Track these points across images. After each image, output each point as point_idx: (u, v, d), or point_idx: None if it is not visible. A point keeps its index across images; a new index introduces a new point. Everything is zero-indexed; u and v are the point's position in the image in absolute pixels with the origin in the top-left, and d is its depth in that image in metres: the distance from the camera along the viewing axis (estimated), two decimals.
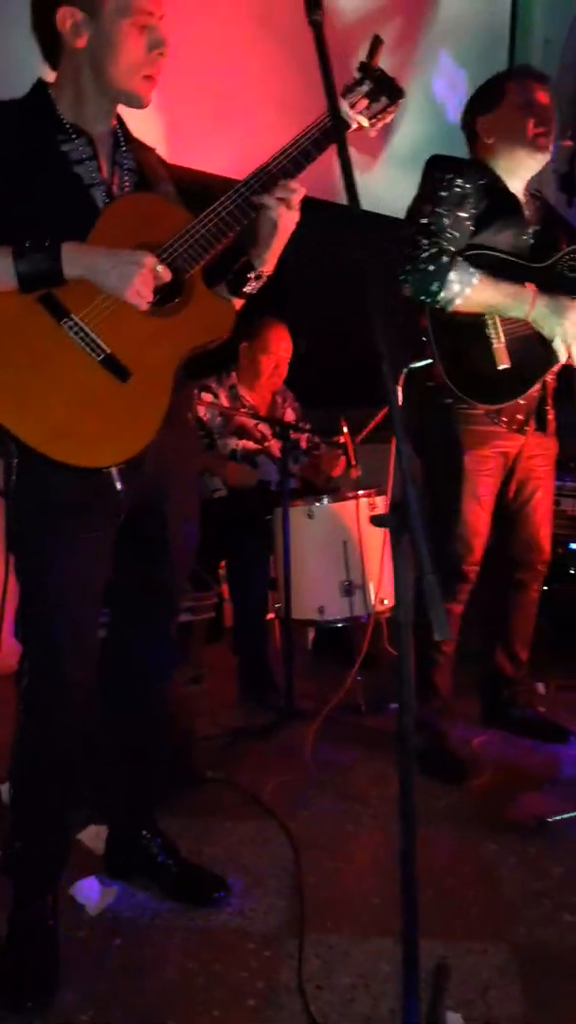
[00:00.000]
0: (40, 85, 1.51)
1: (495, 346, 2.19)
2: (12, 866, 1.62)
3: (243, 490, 3.13)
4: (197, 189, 1.67)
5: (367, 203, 3.66)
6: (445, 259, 2.09)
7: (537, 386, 2.27)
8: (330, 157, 1.33)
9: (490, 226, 2.23)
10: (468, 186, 2.20)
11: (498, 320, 2.19)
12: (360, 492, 2.83)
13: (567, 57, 4.30)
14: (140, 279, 1.40)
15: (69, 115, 1.49)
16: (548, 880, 1.84)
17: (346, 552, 2.78)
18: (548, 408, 2.38)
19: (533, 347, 2.23)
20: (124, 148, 1.57)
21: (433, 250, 2.10)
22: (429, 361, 2.22)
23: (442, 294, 2.10)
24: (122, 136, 1.57)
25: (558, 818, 2.02)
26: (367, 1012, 1.46)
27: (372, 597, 2.76)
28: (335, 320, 3.21)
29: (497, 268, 2.17)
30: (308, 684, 2.90)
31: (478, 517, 2.30)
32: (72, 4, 1.42)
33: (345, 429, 2.97)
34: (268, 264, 1.60)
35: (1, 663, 2.19)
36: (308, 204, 1.56)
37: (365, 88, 1.54)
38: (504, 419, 2.27)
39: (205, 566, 2.79)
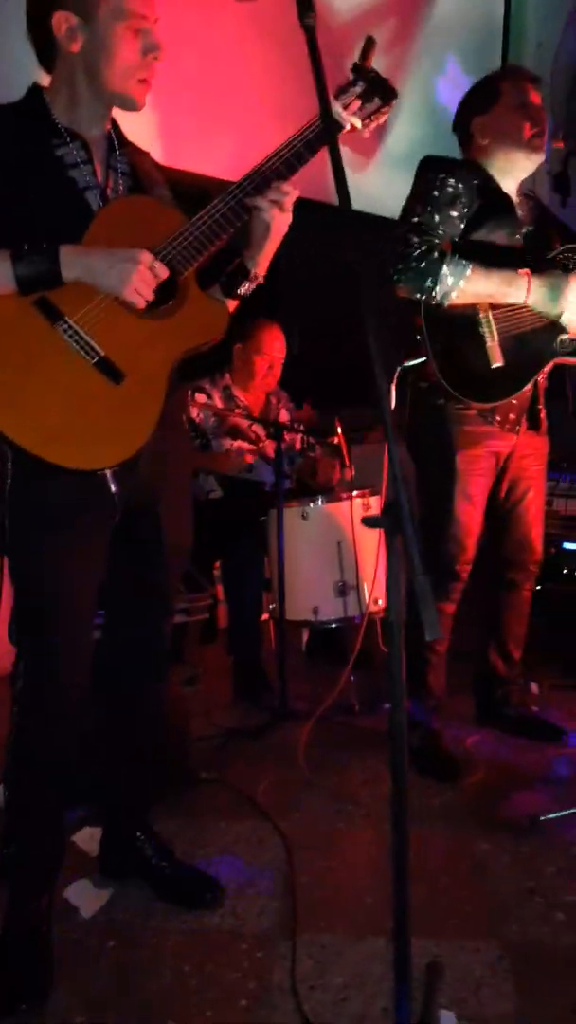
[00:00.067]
0: (35, 89, 1.52)
1: (489, 344, 2.19)
2: (6, 868, 1.62)
3: (237, 488, 3.13)
4: (191, 191, 1.67)
5: (362, 203, 3.68)
6: (436, 254, 2.10)
7: (530, 385, 2.27)
8: (324, 158, 1.33)
9: (483, 226, 2.24)
10: (461, 186, 2.21)
11: (492, 318, 2.20)
12: (354, 493, 2.84)
13: (559, 60, 4.31)
14: (138, 276, 1.41)
15: (64, 119, 1.50)
16: (541, 878, 1.84)
17: (340, 553, 2.79)
18: (540, 407, 2.39)
19: (527, 346, 2.24)
20: (118, 152, 1.58)
21: (424, 247, 2.10)
22: (423, 359, 2.23)
23: (437, 289, 2.10)
24: (116, 140, 1.58)
25: (551, 817, 2.02)
26: (360, 1011, 1.46)
27: (366, 597, 2.76)
28: (329, 321, 3.21)
29: (491, 261, 2.17)
30: (302, 684, 2.90)
31: (470, 517, 2.31)
32: (67, 8, 1.42)
33: (339, 430, 2.97)
34: (261, 266, 1.60)
35: None
36: (301, 205, 1.57)
37: (358, 89, 1.55)
38: (497, 418, 2.28)
39: (199, 567, 2.80)
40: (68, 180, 1.48)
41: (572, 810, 2.04)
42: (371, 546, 2.77)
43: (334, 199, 1.17)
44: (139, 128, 1.67)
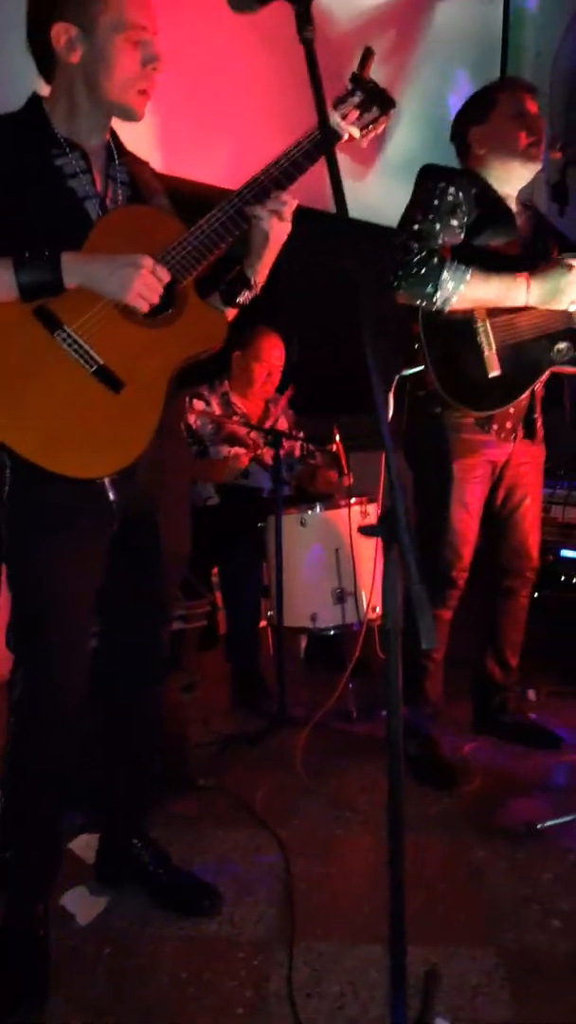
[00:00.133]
0: (35, 99, 1.53)
1: (486, 354, 2.20)
2: (3, 875, 1.62)
3: (235, 494, 3.13)
4: (190, 199, 1.68)
5: (361, 212, 3.69)
6: (436, 260, 2.11)
7: (527, 394, 2.28)
8: (324, 167, 1.34)
9: (481, 234, 2.25)
10: (460, 195, 2.22)
11: (489, 327, 2.21)
12: (352, 500, 2.84)
13: (557, 70, 4.34)
14: (140, 281, 1.41)
15: (63, 129, 1.50)
16: (537, 886, 1.85)
17: (338, 560, 2.79)
18: (536, 416, 2.40)
19: (524, 355, 2.25)
20: (118, 161, 1.58)
21: (423, 253, 2.11)
22: (420, 368, 2.24)
23: (437, 295, 2.11)
24: (116, 149, 1.59)
25: (548, 824, 2.03)
26: (356, 1019, 1.47)
27: (364, 604, 2.77)
28: (327, 328, 3.22)
29: (490, 267, 2.18)
30: (300, 691, 2.90)
31: (467, 524, 2.32)
32: (67, 20, 1.43)
33: (338, 437, 2.98)
34: (260, 274, 1.61)
35: None
36: (301, 214, 1.57)
37: (356, 99, 1.56)
38: (494, 427, 2.29)
39: (197, 574, 2.80)
40: (67, 190, 1.49)
41: (569, 817, 2.05)
42: (369, 553, 2.78)
43: (333, 208, 1.18)
44: (138, 136, 1.68)
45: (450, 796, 2.25)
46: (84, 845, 1.94)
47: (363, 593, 2.78)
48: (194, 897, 1.78)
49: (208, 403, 3.20)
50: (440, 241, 2.17)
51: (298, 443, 3.36)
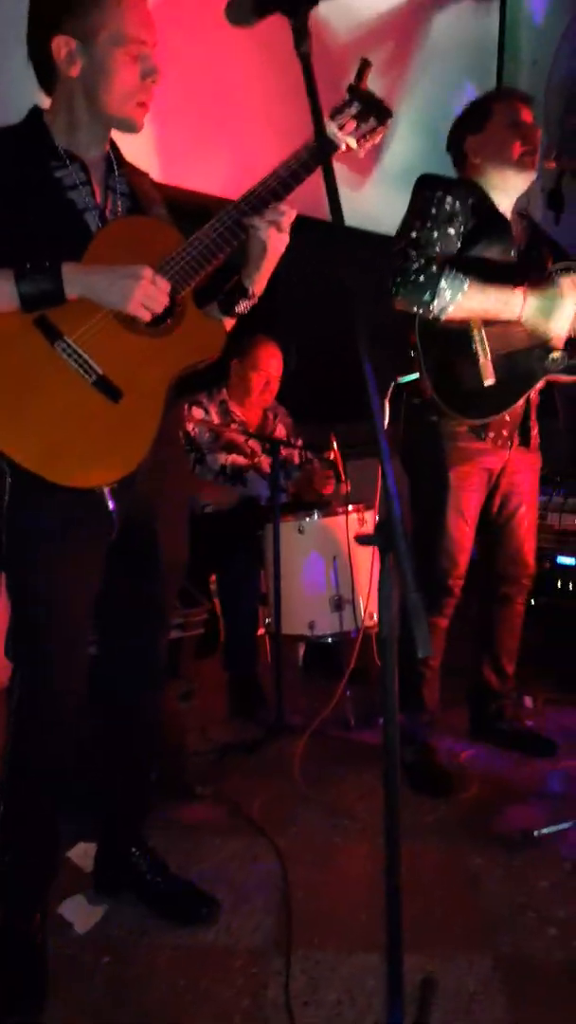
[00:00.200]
0: (35, 112, 1.54)
1: (481, 362, 2.21)
2: (0, 883, 1.62)
3: (228, 509, 3.14)
4: (189, 208, 1.69)
5: (359, 221, 3.69)
6: (435, 268, 2.12)
7: (522, 401, 2.30)
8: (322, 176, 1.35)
9: (477, 244, 2.27)
10: (457, 204, 2.23)
11: (484, 336, 2.22)
12: (350, 507, 2.85)
13: (553, 80, 4.37)
14: (140, 290, 1.42)
15: (63, 141, 1.52)
16: (533, 893, 1.85)
17: (336, 567, 2.80)
18: (532, 424, 2.41)
19: (519, 363, 2.26)
20: (117, 173, 1.60)
21: (421, 261, 2.13)
22: (416, 376, 2.25)
23: (435, 303, 2.12)
24: (115, 161, 1.60)
25: (544, 831, 2.03)
26: None
27: (361, 612, 2.77)
28: (325, 337, 3.23)
29: (486, 277, 2.19)
30: (298, 699, 2.90)
31: (463, 532, 2.33)
32: (67, 33, 1.44)
33: (335, 444, 2.99)
34: (258, 285, 1.62)
35: None
36: (300, 223, 1.59)
37: (353, 110, 1.57)
38: (490, 434, 2.30)
39: (195, 582, 2.80)
40: (67, 202, 1.50)
41: (565, 825, 2.05)
42: (367, 561, 2.78)
43: (329, 217, 1.19)
44: (137, 146, 1.69)
45: (447, 803, 2.25)
46: (82, 854, 1.94)
47: (360, 600, 2.78)
48: (192, 905, 1.78)
49: (206, 411, 3.21)
50: (438, 249, 2.19)
51: (296, 450, 3.37)
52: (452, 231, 2.22)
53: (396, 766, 1.19)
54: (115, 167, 1.60)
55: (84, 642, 1.62)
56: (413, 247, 2.16)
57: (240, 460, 3.24)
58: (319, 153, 1.46)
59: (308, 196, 1.57)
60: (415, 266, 2.12)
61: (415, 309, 2.15)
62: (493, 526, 2.46)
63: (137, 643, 1.74)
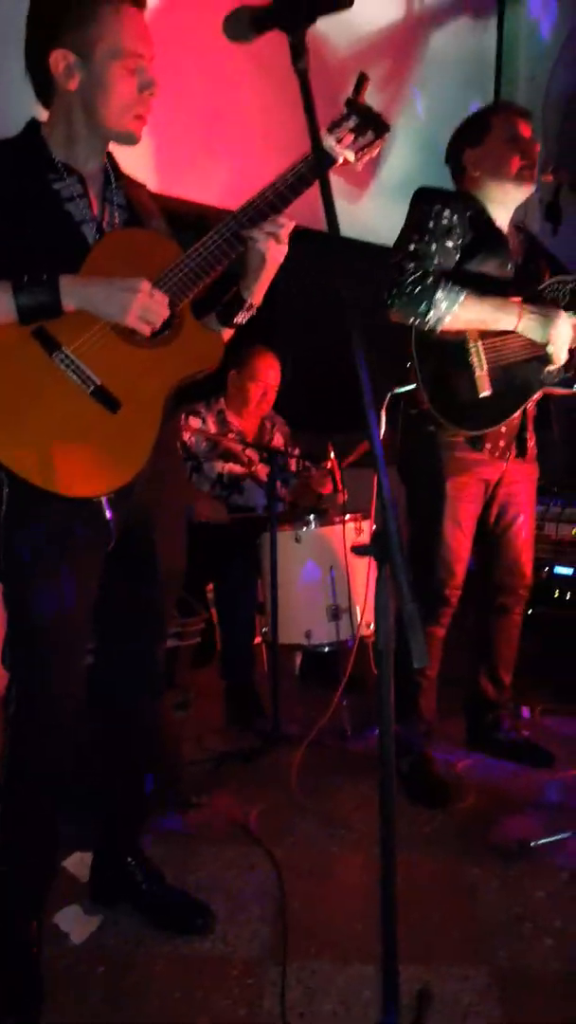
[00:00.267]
0: (33, 124, 1.55)
1: (477, 374, 2.23)
2: None
3: (231, 511, 3.15)
4: (187, 219, 1.70)
5: (357, 232, 3.70)
6: (431, 280, 2.13)
7: (518, 413, 2.31)
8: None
9: (474, 257, 2.28)
10: (455, 217, 2.25)
11: (481, 348, 2.23)
12: (347, 516, 2.86)
13: (550, 96, 4.40)
14: (138, 304, 1.43)
15: (61, 154, 1.53)
16: (530, 904, 1.85)
17: (333, 576, 2.80)
18: (528, 435, 2.43)
19: (515, 375, 2.27)
20: (114, 185, 1.61)
21: (418, 273, 2.14)
22: (413, 386, 2.26)
23: (431, 314, 2.13)
24: (112, 173, 1.61)
25: (541, 842, 2.03)
26: None
27: (358, 621, 2.77)
28: (322, 346, 3.25)
29: (482, 290, 2.21)
30: (295, 708, 2.90)
31: (460, 542, 2.34)
32: (65, 47, 1.46)
33: (332, 454, 3.00)
34: (257, 295, 1.63)
35: None
36: (298, 234, 1.60)
37: (351, 123, 1.58)
38: (487, 446, 2.31)
39: (192, 590, 2.81)
40: (64, 214, 1.51)
41: (562, 835, 2.05)
42: (363, 570, 2.79)
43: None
44: (135, 158, 1.70)
45: (443, 814, 2.25)
46: (78, 863, 1.93)
47: (357, 610, 2.79)
48: (187, 915, 1.78)
49: (204, 420, 3.22)
50: (435, 262, 2.20)
51: (293, 459, 3.38)
52: (450, 244, 2.24)
53: (392, 777, 1.20)
54: (112, 179, 1.61)
55: (82, 649, 1.62)
56: (410, 260, 2.17)
57: (237, 469, 3.25)
58: (316, 167, 1.48)
59: (306, 208, 1.59)
60: (411, 278, 2.14)
61: (411, 321, 2.17)
62: (490, 537, 2.47)
63: (136, 648, 1.74)
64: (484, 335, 2.22)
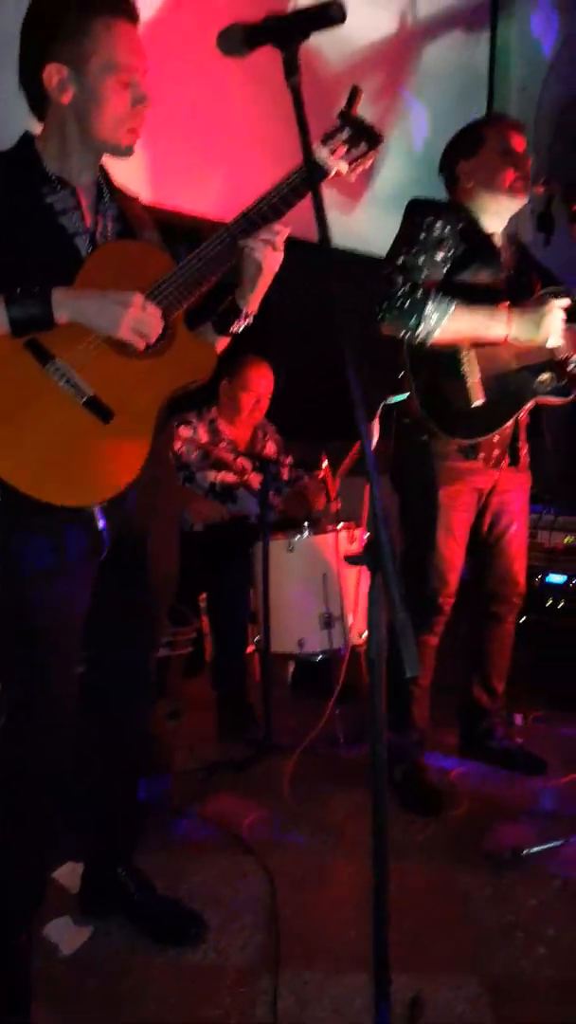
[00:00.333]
0: (26, 138, 1.56)
1: (470, 383, 2.24)
2: None
3: (216, 525, 3.15)
4: (181, 230, 1.71)
5: (351, 243, 3.71)
6: (420, 293, 2.15)
7: (511, 422, 2.32)
8: None
9: (467, 268, 2.30)
10: (447, 229, 2.26)
11: (473, 357, 2.25)
12: (339, 525, 2.86)
13: (542, 107, 4.44)
14: (130, 317, 1.44)
15: (54, 167, 1.54)
16: (522, 912, 1.85)
17: (326, 585, 2.81)
18: (521, 444, 2.44)
19: (508, 384, 2.28)
20: (107, 198, 1.62)
21: (407, 286, 2.16)
22: (406, 395, 2.27)
23: (421, 327, 2.15)
24: (105, 186, 1.62)
25: (534, 850, 2.03)
26: None
27: (350, 629, 2.78)
28: (317, 355, 3.26)
29: (473, 301, 2.22)
30: (288, 717, 2.90)
31: (453, 551, 2.34)
32: (59, 61, 1.46)
33: (325, 463, 3.01)
34: (252, 303, 1.64)
35: None
36: (291, 244, 1.61)
37: (344, 135, 1.59)
38: (481, 454, 2.32)
39: (185, 599, 2.81)
40: (58, 227, 1.51)
41: (555, 843, 2.05)
42: (356, 579, 2.79)
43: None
44: (130, 169, 1.71)
45: (436, 822, 2.25)
46: (68, 874, 1.92)
47: (350, 618, 2.79)
48: (179, 925, 1.77)
49: (195, 429, 3.22)
50: (424, 274, 2.22)
51: (286, 467, 3.38)
52: (440, 256, 2.25)
53: (383, 786, 1.20)
54: (105, 192, 1.62)
55: (76, 654, 1.62)
56: (399, 272, 2.19)
57: (229, 478, 3.25)
58: (308, 179, 1.49)
59: (300, 218, 1.60)
60: (400, 291, 2.15)
61: (401, 334, 2.18)
62: (483, 545, 2.48)
63: (129, 656, 1.75)
64: (477, 344, 2.24)
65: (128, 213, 1.64)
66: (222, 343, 1.68)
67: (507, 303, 2.24)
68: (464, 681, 2.63)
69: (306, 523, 2.90)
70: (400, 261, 2.21)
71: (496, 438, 2.33)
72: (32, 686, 1.56)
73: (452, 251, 2.27)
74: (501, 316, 2.21)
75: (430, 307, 2.14)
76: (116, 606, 1.67)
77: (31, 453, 1.42)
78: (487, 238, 2.36)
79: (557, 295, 2.34)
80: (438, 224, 2.26)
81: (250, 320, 1.67)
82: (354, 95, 1.60)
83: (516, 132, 2.38)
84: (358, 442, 1.14)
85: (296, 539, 2.86)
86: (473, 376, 2.24)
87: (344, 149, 1.59)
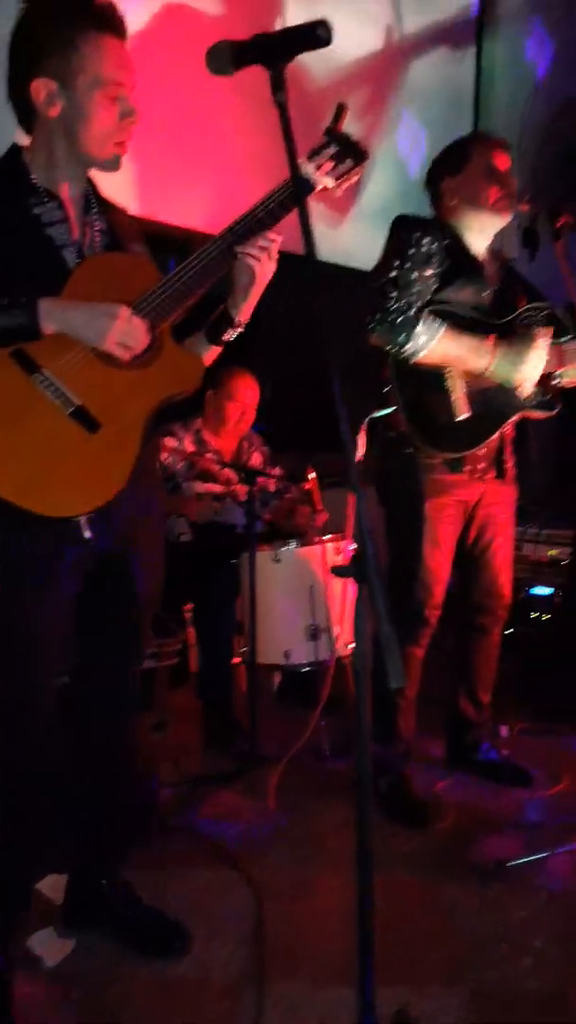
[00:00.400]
0: (14, 150, 1.57)
1: (454, 396, 2.26)
2: None
3: (209, 530, 3.15)
4: (169, 242, 1.72)
5: (337, 257, 3.73)
6: (412, 312, 2.17)
7: (496, 435, 2.34)
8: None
9: (452, 284, 2.32)
10: (434, 245, 2.28)
11: (457, 372, 2.26)
12: (326, 537, 2.87)
13: (527, 125, 4.49)
14: (116, 329, 1.45)
15: (42, 179, 1.54)
16: (508, 924, 1.85)
17: (312, 596, 2.81)
18: (507, 456, 2.46)
19: (493, 398, 2.30)
20: (95, 210, 1.63)
21: (401, 303, 2.17)
22: (392, 409, 2.29)
23: (408, 345, 2.16)
24: (93, 198, 1.63)
25: (520, 862, 2.04)
26: None
27: (336, 640, 2.78)
28: (304, 367, 3.28)
29: (458, 324, 2.24)
30: (273, 728, 2.89)
31: (439, 563, 2.35)
32: (47, 76, 1.47)
33: (311, 475, 3.02)
34: (244, 313, 1.65)
35: None
36: (280, 257, 1.62)
37: (331, 151, 1.61)
38: (467, 467, 2.34)
39: (171, 610, 2.80)
40: (45, 238, 1.52)
41: (541, 855, 2.06)
42: (342, 590, 2.80)
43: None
44: (119, 182, 1.72)
45: (422, 834, 2.25)
46: (52, 886, 1.91)
47: (336, 630, 2.79)
48: (163, 938, 1.77)
49: (180, 440, 3.22)
50: (417, 290, 2.23)
51: (272, 479, 3.39)
52: (429, 272, 2.27)
53: (368, 798, 1.20)
54: (93, 204, 1.63)
55: (55, 668, 1.62)
56: (392, 286, 2.20)
57: (215, 488, 3.25)
58: (295, 194, 1.50)
59: (287, 232, 1.61)
60: (394, 306, 2.17)
61: (388, 347, 2.20)
62: (469, 557, 2.49)
63: (114, 667, 1.74)
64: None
65: (116, 225, 1.64)
66: (214, 352, 1.69)
67: (494, 336, 2.25)
68: (450, 693, 2.63)
69: (292, 540, 2.90)
70: (393, 275, 2.22)
71: (482, 451, 2.34)
72: (6, 696, 1.55)
73: (439, 268, 2.29)
74: (486, 350, 2.23)
75: (421, 327, 2.16)
76: (101, 617, 1.67)
77: (16, 463, 1.41)
78: (470, 255, 2.38)
79: (539, 310, 2.36)
80: (426, 240, 2.28)
81: (242, 329, 1.68)
82: (340, 112, 1.62)
83: (501, 150, 2.41)
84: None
85: (283, 550, 2.86)
86: (458, 390, 2.26)
87: (330, 165, 1.61)
